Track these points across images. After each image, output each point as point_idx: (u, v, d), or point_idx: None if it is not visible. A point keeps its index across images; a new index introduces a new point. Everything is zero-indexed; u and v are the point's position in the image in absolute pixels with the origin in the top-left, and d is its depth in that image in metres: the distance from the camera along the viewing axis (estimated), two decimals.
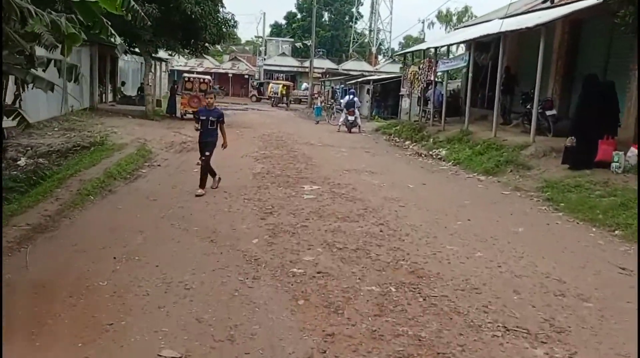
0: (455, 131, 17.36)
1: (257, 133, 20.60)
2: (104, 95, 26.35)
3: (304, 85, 49.64)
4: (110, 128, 17.24)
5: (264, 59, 53.41)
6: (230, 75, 50.43)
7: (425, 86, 20.14)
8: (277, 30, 70.48)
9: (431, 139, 17.58)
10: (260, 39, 52.71)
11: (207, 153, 9.46)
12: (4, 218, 6.53)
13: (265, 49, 57.07)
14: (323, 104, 30.01)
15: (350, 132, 22.99)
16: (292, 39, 58.03)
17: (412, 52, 23.81)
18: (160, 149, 14.76)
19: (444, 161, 14.51)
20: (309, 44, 45.66)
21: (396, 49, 73.95)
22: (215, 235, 6.83)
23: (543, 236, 7.30)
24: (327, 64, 52.60)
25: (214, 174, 9.77)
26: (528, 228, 7.68)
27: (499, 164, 12.08)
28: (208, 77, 26.00)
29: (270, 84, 43.31)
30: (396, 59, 57.83)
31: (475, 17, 73.99)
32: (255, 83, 51.83)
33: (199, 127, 9.61)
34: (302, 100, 47.41)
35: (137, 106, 27.02)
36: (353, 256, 6.12)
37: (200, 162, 12.64)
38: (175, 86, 26.06)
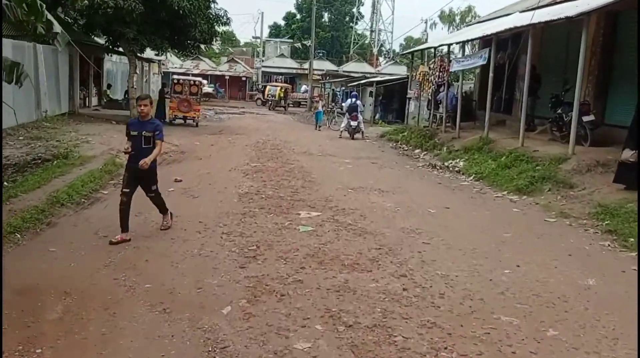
0: (471, 138, 15.35)
1: (251, 140, 18.60)
2: (87, 99, 24.34)
3: (304, 87, 47.68)
4: (84, 136, 15.26)
5: (262, 61, 51.44)
6: (227, 77, 48.48)
7: (436, 87, 18.15)
8: (276, 31, 68.56)
9: (445, 148, 15.57)
10: (258, 40, 50.79)
11: (153, 188, 6.90)
12: None
13: (264, 50, 55.11)
14: (325, 108, 27.91)
15: (353, 138, 20.99)
16: (291, 40, 56.08)
17: (422, 50, 21.81)
18: None
19: (462, 174, 12.49)
20: (308, 44, 43.68)
21: (397, 50, 72.05)
22: (172, 298, 4.82)
23: (626, 293, 5.28)
24: (327, 65, 50.65)
25: (164, 210, 7.09)
26: (600, 279, 5.66)
27: (534, 181, 10.05)
28: (199, 79, 24.02)
29: (268, 87, 41.28)
30: (399, 61, 55.92)
31: (479, 16, 72.18)
32: (260, 86, 49.74)
33: (129, 148, 6.58)
34: (302, 103, 45.46)
35: (124, 111, 25.03)
36: (369, 341, 4.09)
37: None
38: (164, 89, 24.07)
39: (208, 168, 12.27)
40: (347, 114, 21.42)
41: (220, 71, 50.18)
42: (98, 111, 23.87)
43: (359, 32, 68.16)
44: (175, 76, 24.26)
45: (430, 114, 19.72)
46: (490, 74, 14.17)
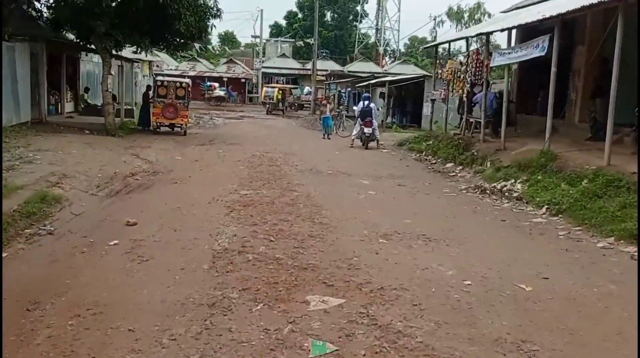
0: (522, 150, 11.98)
1: (246, 153, 15.28)
2: (59, 104, 21.03)
3: (306, 89, 44.35)
4: (32, 153, 11.92)
5: (262, 61, 48.10)
6: (225, 79, 45.19)
7: (470, 87, 14.79)
8: (277, 31, 65.23)
9: (488, 163, 12.19)
10: (258, 39, 47.47)
11: None
12: None
13: (264, 50, 51.78)
14: (333, 112, 24.36)
15: (366, 148, 17.64)
16: (292, 39, 52.64)
17: (451, 41, 18.45)
18: (85, 188, 9.41)
19: (526, 203, 9.13)
20: (311, 42, 40.34)
21: (402, 50, 68.66)
22: None
23: None
24: (331, 65, 47.28)
25: None
26: None
27: None
28: (187, 80, 20.67)
29: (264, 88, 37.90)
30: (407, 60, 52.54)
31: (488, 13, 68.78)
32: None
33: None
34: (305, 106, 42.11)
35: (103, 117, 21.77)
36: None
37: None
38: (149, 93, 20.77)
39: (181, 198, 8.93)
40: (359, 119, 18.07)
41: (217, 72, 46.86)
42: (72, 118, 20.54)
43: (363, 31, 64.76)
44: (159, 78, 20.95)
45: (462, 118, 16.33)
46: (553, 69, 10.80)
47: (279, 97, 35.13)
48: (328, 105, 23.62)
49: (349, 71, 42.74)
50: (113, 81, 21.59)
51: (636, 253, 6.26)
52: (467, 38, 16.24)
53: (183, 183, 10.57)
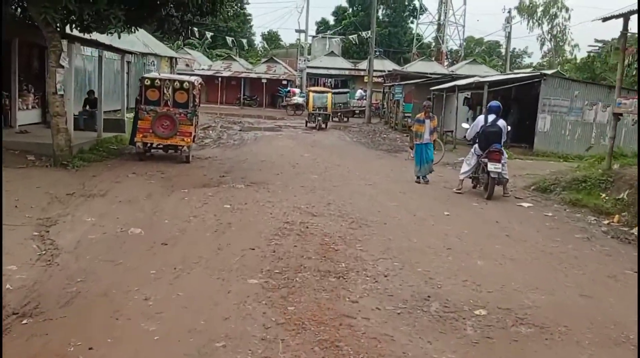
0: None
1: (273, 214, 7.91)
2: (9, 113, 14.12)
3: (359, 92, 36.73)
4: None
5: (307, 60, 40.72)
6: (264, 81, 38.12)
7: None
8: (324, 28, 57.93)
9: None
10: (302, 34, 40.16)
11: None
12: None
13: (309, 48, 44.38)
14: (437, 134, 13.71)
15: (489, 198, 9.77)
16: (342, 35, 44.82)
17: None
18: None
19: None
20: (367, 36, 32.76)
21: (462, 49, 60.02)
22: None
23: None
24: (387, 65, 39.45)
25: None
26: None
27: None
28: (192, 79, 13.18)
29: (311, 94, 25.46)
30: (477, 60, 44.22)
31: (566, 8, 59.24)
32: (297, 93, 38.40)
33: None
34: (356, 112, 34.49)
35: (81, 131, 14.89)
36: None
37: None
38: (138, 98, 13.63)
39: None
40: (475, 147, 10.24)
41: (256, 73, 39.83)
42: (25, 133, 13.63)
43: (424, 26, 56.48)
44: (147, 75, 13.67)
45: None
46: None
47: (332, 106, 25.81)
48: (429, 121, 11.70)
49: (415, 72, 34.62)
50: (102, 79, 14.65)
51: None
52: None
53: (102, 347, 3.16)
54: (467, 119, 19.81)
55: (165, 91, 12.51)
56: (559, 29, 58.23)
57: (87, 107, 15.66)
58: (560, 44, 58.73)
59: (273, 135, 21.63)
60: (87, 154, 12.39)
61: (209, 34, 37.14)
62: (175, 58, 29.86)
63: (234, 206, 8.40)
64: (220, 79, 38.99)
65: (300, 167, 13.05)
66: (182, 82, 12.62)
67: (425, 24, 53.49)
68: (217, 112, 33.06)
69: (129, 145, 13.74)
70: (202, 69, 39.80)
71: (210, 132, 20.87)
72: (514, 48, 73.95)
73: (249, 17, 60.63)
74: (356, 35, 39.92)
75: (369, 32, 32.27)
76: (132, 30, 13.23)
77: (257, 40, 70.28)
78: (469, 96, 21.83)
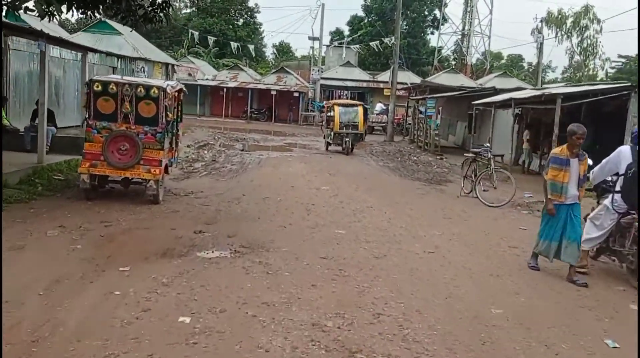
0: None
1: (276, 348, 3.73)
2: None
3: (378, 106, 32.76)
4: None
5: (321, 71, 36.83)
6: (273, 92, 34.27)
7: None
8: (338, 38, 54.16)
9: None
10: (316, 42, 36.23)
11: None
12: None
13: (323, 58, 40.51)
14: (584, 184, 6.50)
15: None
16: (358, 45, 40.83)
17: None
18: None
19: None
20: (391, 42, 28.86)
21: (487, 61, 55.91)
22: None
23: None
24: (409, 77, 35.46)
25: None
26: None
27: None
28: (160, 83, 9.04)
29: (337, 109, 19.28)
30: (508, 73, 40.17)
31: (598, 19, 55.04)
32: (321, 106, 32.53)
33: None
34: (375, 128, 30.50)
35: (27, 153, 11.04)
36: None
37: None
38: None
39: None
40: (614, 198, 6.09)
41: (265, 84, 36.03)
42: None
43: (446, 37, 52.52)
44: (99, 77, 9.65)
45: None
46: None
47: (362, 123, 19.59)
48: (578, 163, 6.17)
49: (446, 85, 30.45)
50: (45, 83, 10.79)
51: None
52: None
53: None
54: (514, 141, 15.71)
55: (124, 101, 8.56)
56: (589, 42, 54.26)
57: (34, 120, 11.74)
58: (591, 57, 54.67)
59: (282, 157, 17.62)
60: (11, 190, 8.46)
61: (211, 39, 33.45)
62: (173, 65, 26.09)
63: (199, 319, 4.36)
64: (225, 90, 35.19)
65: (317, 212, 8.99)
66: (148, 88, 8.64)
67: (448, 34, 49.49)
68: (220, 127, 29.24)
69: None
70: (206, 79, 36.06)
71: (205, 152, 16.92)
72: (537, 62, 69.95)
73: (259, 26, 56.96)
74: (378, 41, 35.97)
75: (393, 37, 28.30)
76: (89, 14, 9.37)
77: (269, 52, 66.80)
78: (519, 112, 17.75)
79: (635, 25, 41.73)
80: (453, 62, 54.34)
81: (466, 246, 7.35)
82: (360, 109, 19.78)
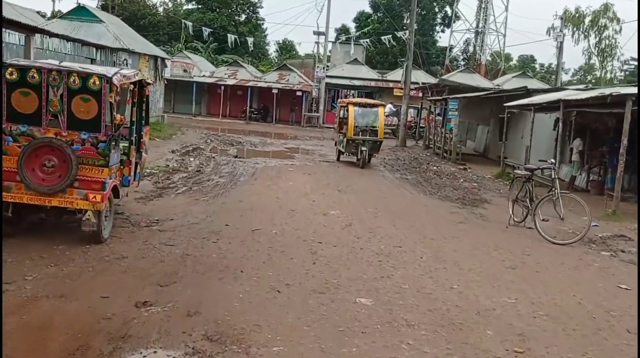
0: None
1: None
2: None
3: (388, 108, 29.92)
4: None
5: (326, 68, 34.13)
6: (274, 91, 31.60)
7: None
8: (344, 35, 51.44)
9: None
10: (321, 38, 33.46)
11: None
12: None
13: (329, 56, 37.80)
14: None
15: None
16: (370, 37, 37.80)
17: None
18: None
19: None
20: (405, 36, 26.16)
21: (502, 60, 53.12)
22: None
23: None
24: (421, 76, 32.74)
25: None
26: None
27: None
28: (103, 71, 6.35)
29: (352, 109, 15.65)
30: (527, 73, 37.43)
31: (618, 19, 52.12)
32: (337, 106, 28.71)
33: None
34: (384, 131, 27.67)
35: None
36: None
37: None
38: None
39: None
40: None
41: (266, 81, 33.34)
42: None
43: (459, 34, 49.71)
44: (15, 61, 6.94)
45: None
46: None
47: (382, 128, 16.12)
48: None
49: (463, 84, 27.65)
50: None
51: None
52: None
53: None
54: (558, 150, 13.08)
55: (51, 95, 5.91)
56: (606, 43, 51.43)
57: None
58: (608, 59, 51.85)
59: (281, 166, 14.94)
60: None
61: (206, 31, 30.81)
62: (163, 59, 23.37)
63: None
64: (223, 88, 32.51)
65: (327, 257, 6.31)
66: (86, 77, 5.95)
67: (462, 32, 46.67)
68: (217, 128, 26.63)
69: None
70: (203, 76, 33.39)
71: (191, 160, 14.26)
72: (550, 64, 67.06)
73: (262, 21, 54.23)
74: (391, 35, 33.22)
75: (407, 31, 25.57)
76: None
77: (272, 49, 63.99)
78: (561, 116, 15.04)
79: None
80: (462, 63, 51.64)
81: (564, 331, 4.64)
82: (380, 111, 16.16)
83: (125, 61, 18.44)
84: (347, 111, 15.77)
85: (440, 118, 22.17)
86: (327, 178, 13.19)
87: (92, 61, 17.88)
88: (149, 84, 7.88)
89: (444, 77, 33.59)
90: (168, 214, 7.87)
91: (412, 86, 27.55)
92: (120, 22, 22.65)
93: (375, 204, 10.02)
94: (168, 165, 12.79)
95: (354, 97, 31.71)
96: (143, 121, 7.70)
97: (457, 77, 33.85)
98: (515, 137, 17.95)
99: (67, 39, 15.76)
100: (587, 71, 68.44)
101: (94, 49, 17.69)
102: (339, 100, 19.51)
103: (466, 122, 26.14)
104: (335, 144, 17.11)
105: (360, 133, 15.30)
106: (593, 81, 55.68)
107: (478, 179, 14.96)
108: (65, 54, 15.86)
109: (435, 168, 17.06)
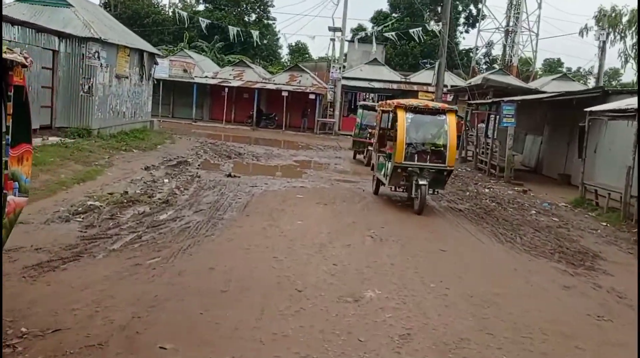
0: None
1: None
2: None
3: None
4: None
5: (343, 68, 30.13)
6: (285, 94, 27.73)
7: None
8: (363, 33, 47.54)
9: None
10: (338, 34, 29.32)
11: None
12: None
13: (345, 55, 33.83)
14: None
15: None
16: (389, 35, 33.55)
17: None
18: None
19: None
20: (439, 28, 22.21)
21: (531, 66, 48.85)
22: None
23: None
24: (446, 79, 28.57)
25: None
26: None
27: None
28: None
29: (379, 110, 11.16)
30: (568, 75, 33.21)
31: None
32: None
33: None
34: None
35: None
36: None
37: None
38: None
39: None
40: None
41: (274, 83, 29.48)
42: None
43: (487, 34, 45.35)
44: None
45: None
46: None
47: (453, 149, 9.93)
48: None
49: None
50: None
51: None
52: None
53: None
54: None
55: None
56: None
57: None
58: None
59: (287, 190, 10.94)
60: None
61: (203, 22, 27.04)
62: (152, 53, 19.50)
63: None
64: (227, 90, 28.68)
65: None
66: None
67: (490, 31, 42.44)
68: (219, 135, 22.95)
69: None
70: (205, 77, 29.61)
71: (165, 181, 10.37)
72: (579, 67, 62.44)
73: (273, 21, 50.52)
74: (420, 28, 29.12)
75: (441, 23, 21.56)
76: None
77: (284, 52, 60.14)
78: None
79: None
80: (484, 67, 47.51)
81: None
82: (450, 121, 9.83)
83: (96, 54, 14.66)
84: (393, 118, 10.50)
85: (483, 125, 18.07)
86: (349, 209, 9.21)
87: (55, 54, 14.18)
88: (22, 65, 3.97)
89: (469, 80, 29.44)
90: (59, 314, 3.97)
91: (444, 89, 23.52)
92: (97, 7, 18.92)
93: (436, 269, 6.04)
94: (127, 192, 8.93)
95: (374, 101, 27.32)
96: (8, 137, 3.83)
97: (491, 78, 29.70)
98: (589, 151, 13.82)
99: (13, 22, 12.01)
100: (611, 76, 63.86)
101: (56, 37, 13.97)
102: (379, 103, 12.73)
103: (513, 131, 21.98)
104: (372, 169, 11.60)
105: (417, 156, 9.61)
106: (618, 87, 51.18)
107: (553, 210, 10.90)
108: (17, 42, 12.15)
109: (487, 190, 13.00)
